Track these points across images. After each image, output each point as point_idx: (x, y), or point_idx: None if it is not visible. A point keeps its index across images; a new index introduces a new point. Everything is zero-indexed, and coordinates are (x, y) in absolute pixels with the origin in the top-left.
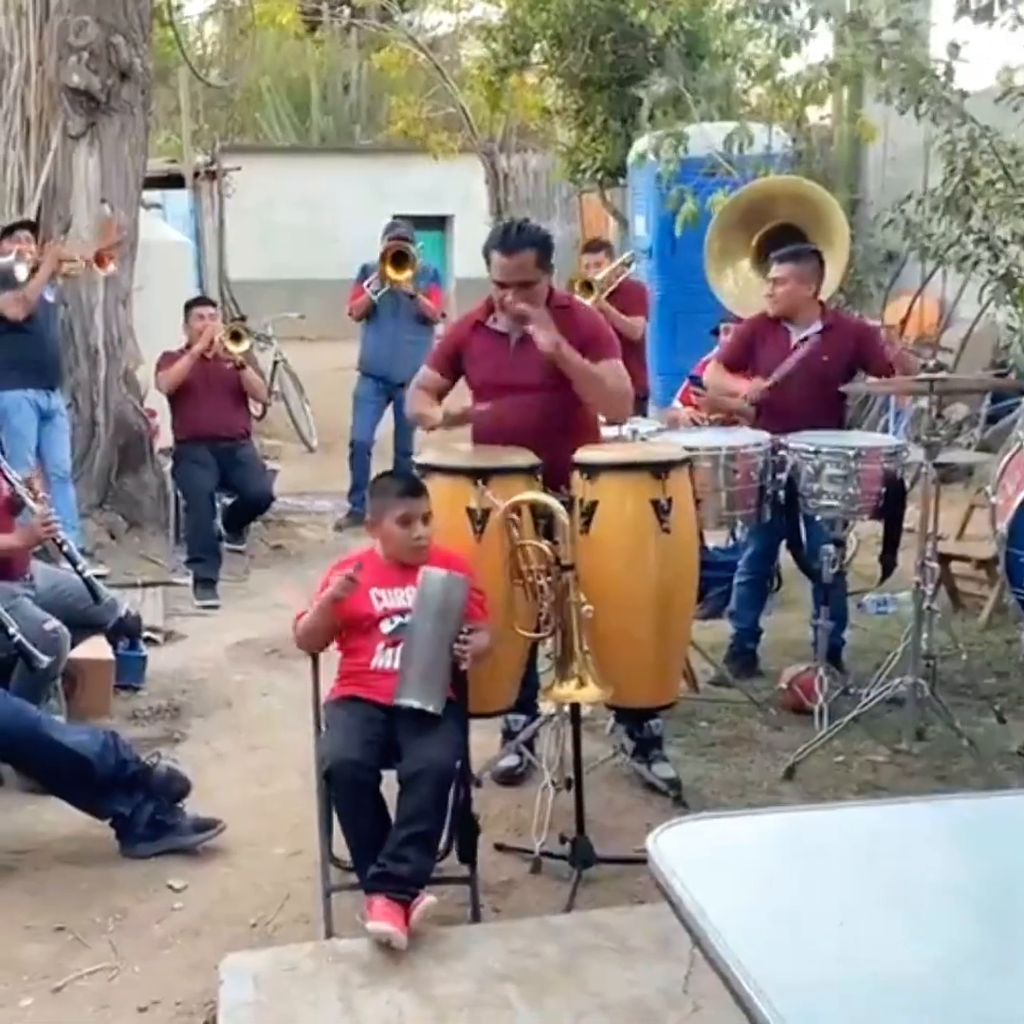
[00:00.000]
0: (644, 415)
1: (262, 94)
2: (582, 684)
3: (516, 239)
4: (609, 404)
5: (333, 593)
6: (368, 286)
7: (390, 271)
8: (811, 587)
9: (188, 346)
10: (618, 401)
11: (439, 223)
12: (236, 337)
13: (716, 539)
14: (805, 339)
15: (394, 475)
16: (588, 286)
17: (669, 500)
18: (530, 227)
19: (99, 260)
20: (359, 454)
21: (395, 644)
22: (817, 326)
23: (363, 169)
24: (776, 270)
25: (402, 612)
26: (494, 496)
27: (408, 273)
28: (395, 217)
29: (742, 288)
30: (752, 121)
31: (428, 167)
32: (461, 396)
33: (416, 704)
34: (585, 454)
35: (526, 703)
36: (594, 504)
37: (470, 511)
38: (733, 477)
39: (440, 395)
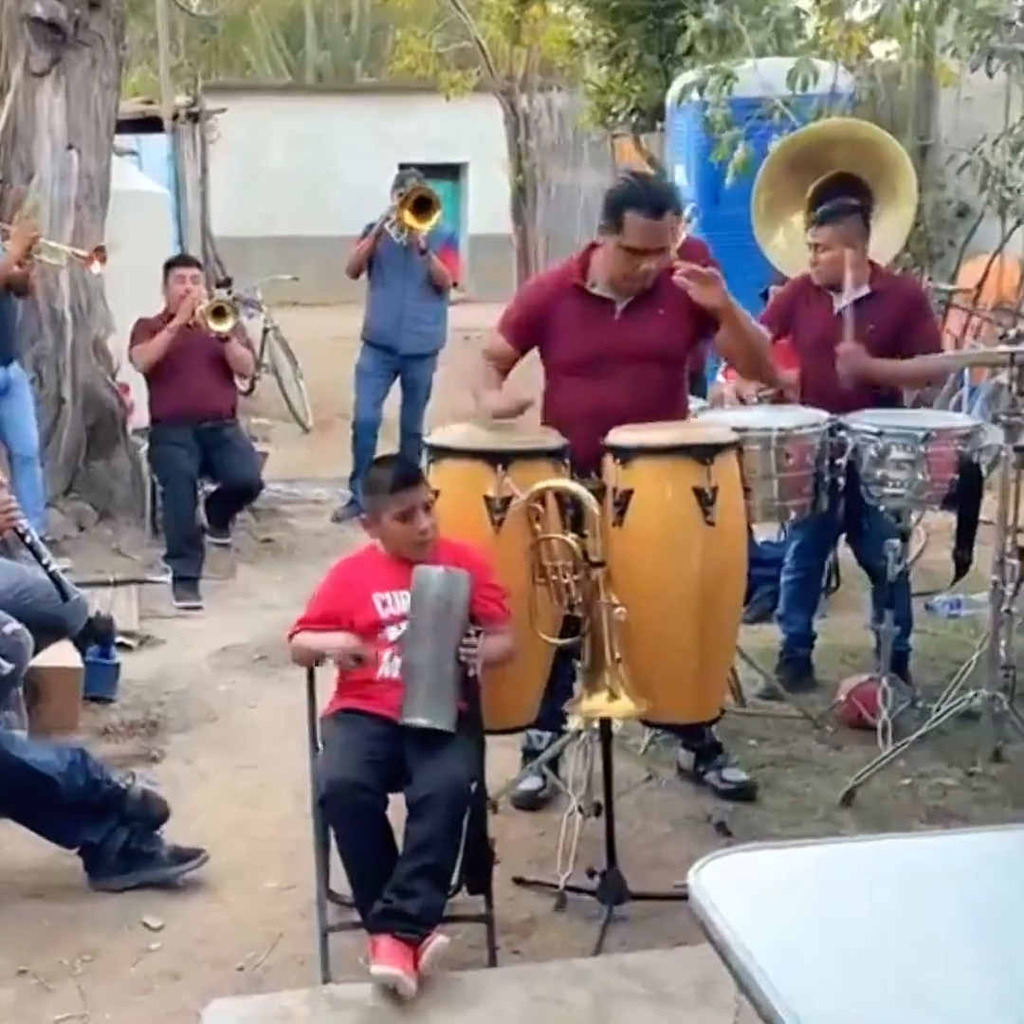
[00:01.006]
0: (703, 395)
1: (250, 25)
2: (613, 696)
3: (663, 199)
4: (763, 363)
5: (337, 659)
6: (389, 225)
7: (410, 217)
8: (872, 586)
9: (166, 312)
10: (770, 361)
11: (451, 172)
12: (219, 314)
13: (765, 532)
14: (852, 306)
15: (383, 465)
16: None
17: (714, 488)
18: (669, 185)
19: (89, 259)
20: (362, 435)
21: (402, 652)
22: (863, 290)
23: (365, 111)
24: (815, 234)
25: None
26: (515, 483)
27: (432, 221)
28: (402, 166)
29: (793, 245)
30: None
31: (439, 109)
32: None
33: (424, 722)
34: (618, 436)
35: (550, 718)
36: (628, 493)
37: (488, 499)
38: (786, 462)
39: (506, 373)
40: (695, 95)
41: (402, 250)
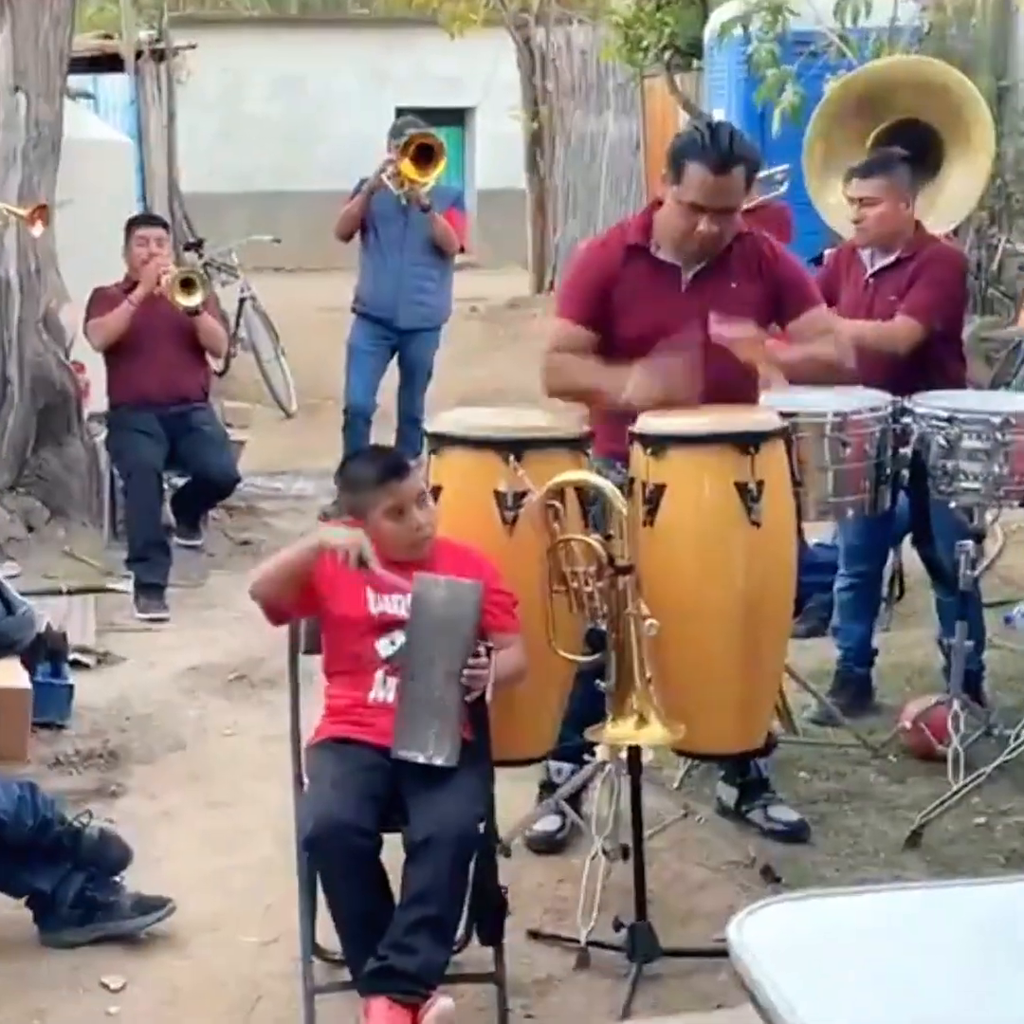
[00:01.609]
0: None
1: None
2: (643, 722)
3: (731, 152)
4: (837, 375)
5: (326, 541)
6: (388, 178)
7: (410, 168)
8: (936, 596)
9: (128, 280)
10: (845, 367)
11: (456, 118)
12: (187, 286)
13: (818, 533)
14: (878, 274)
15: (365, 457)
16: None
17: (759, 483)
18: (742, 136)
19: (29, 219)
20: (354, 421)
21: (398, 672)
22: (890, 257)
23: (357, 48)
24: (860, 187)
25: (403, 625)
26: (530, 476)
27: (436, 172)
28: (400, 110)
29: None
30: None
31: (442, 46)
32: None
33: (420, 758)
34: (649, 422)
35: (570, 747)
36: (661, 488)
37: (498, 495)
38: (843, 452)
39: (591, 356)
40: (738, 30)
41: (400, 208)
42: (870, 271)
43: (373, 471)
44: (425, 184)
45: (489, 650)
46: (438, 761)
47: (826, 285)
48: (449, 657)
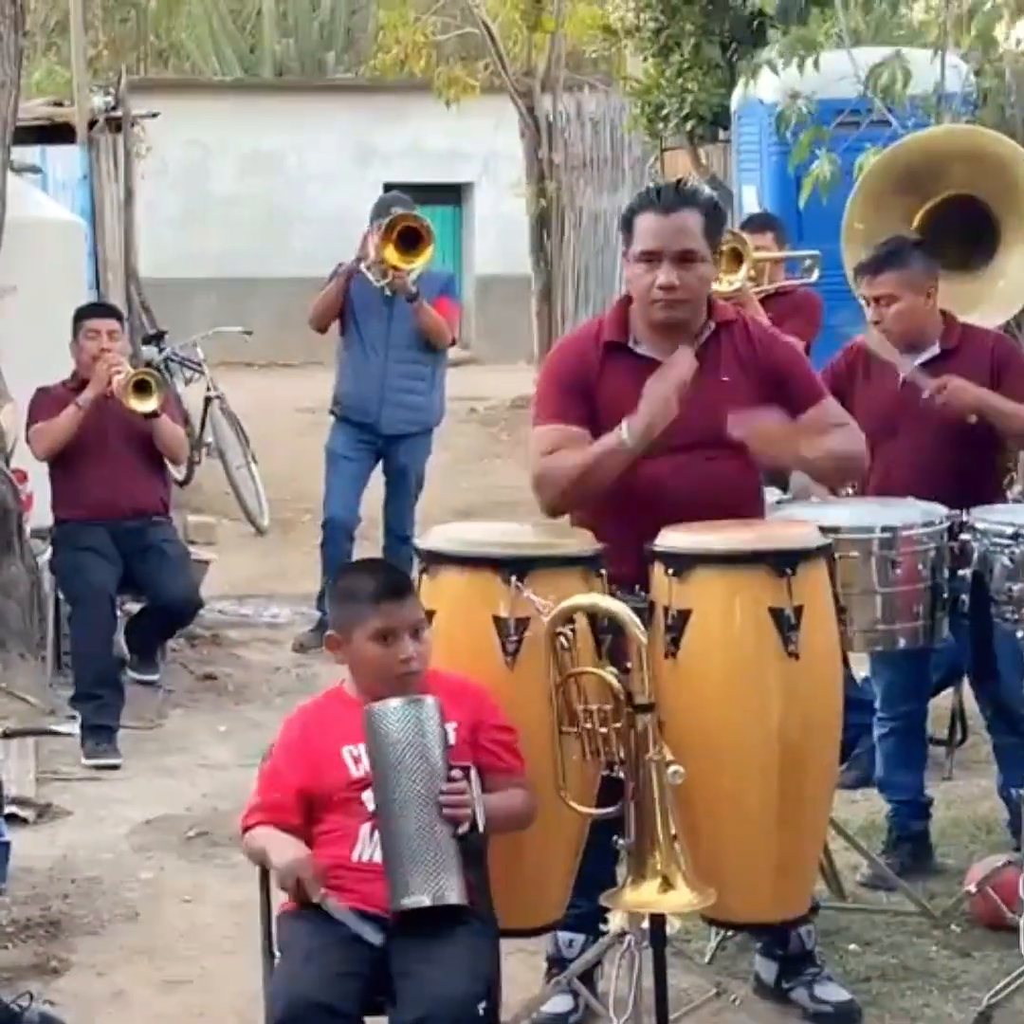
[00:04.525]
0: (784, 486)
1: (190, 3)
2: (668, 885)
3: (675, 196)
4: (844, 476)
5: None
6: (367, 267)
7: (393, 254)
8: (995, 741)
9: (77, 378)
10: (855, 467)
11: (452, 195)
12: (142, 389)
13: (866, 666)
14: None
15: (365, 568)
16: (737, 258)
17: (798, 609)
18: (695, 187)
19: None
20: (333, 538)
21: None
22: (933, 351)
23: (340, 118)
24: (872, 285)
25: None
26: (536, 599)
27: (423, 258)
28: (389, 187)
29: None
30: (913, 46)
31: (436, 115)
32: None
33: (425, 900)
34: (671, 539)
35: (583, 915)
36: (685, 614)
37: (499, 622)
38: (893, 573)
39: None
40: (767, 94)
41: (384, 298)
42: (905, 373)
43: (370, 585)
44: (411, 272)
45: (467, 771)
46: (451, 898)
47: (832, 383)
48: (422, 785)
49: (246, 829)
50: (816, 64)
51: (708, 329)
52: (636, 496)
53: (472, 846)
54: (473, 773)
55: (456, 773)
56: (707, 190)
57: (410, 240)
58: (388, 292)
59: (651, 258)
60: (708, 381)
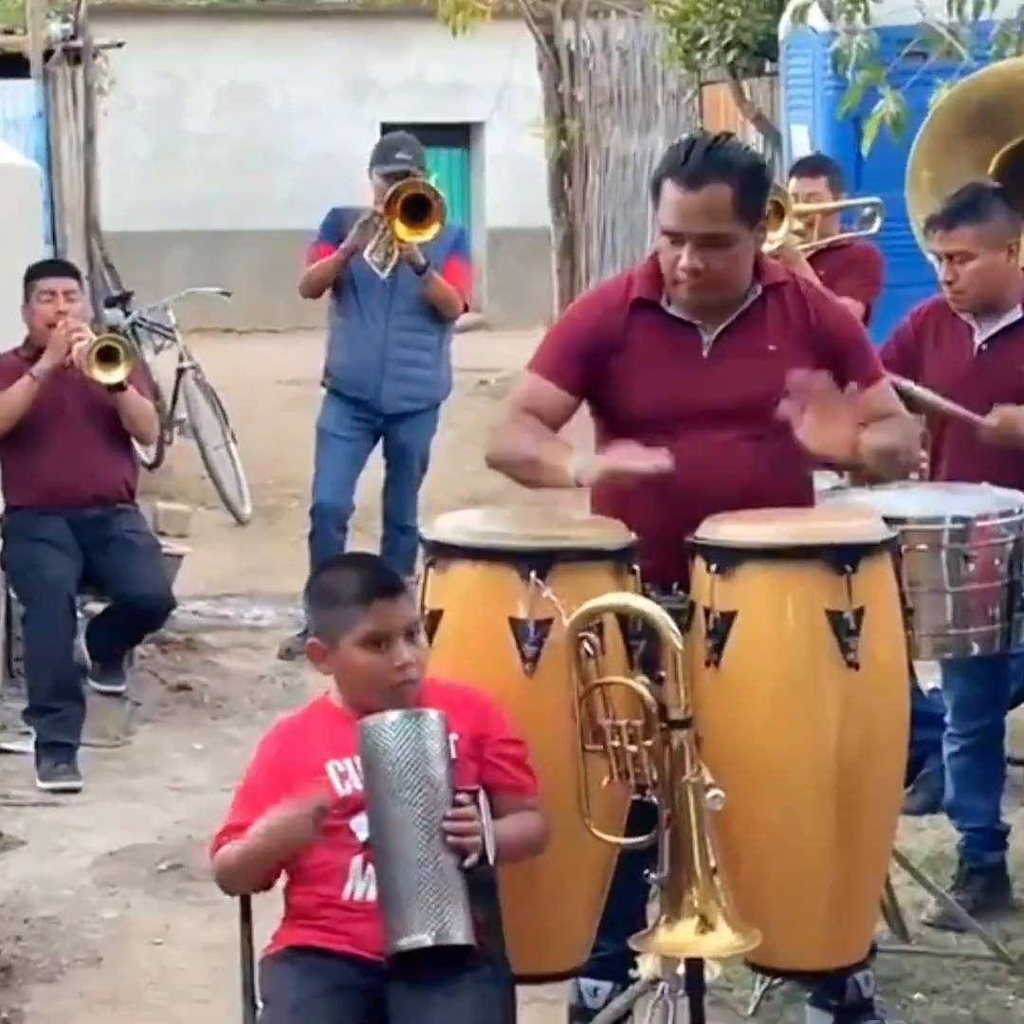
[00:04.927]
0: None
1: None
2: (707, 926)
3: (704, 165)
4: (890, 476)
5: (289, 832)
6: (369, 254)
7: (402, 228)
8: None
9: (30, 347)
10: (906, 465)
11: (459, 136)
12: (108, 357)
13: (935, 676)
14: (992, 340)
15: (346, 566)
16: (778, 212)
17: (859, 611)
18: (730, 145)
19: None
20: (324, 526)
21: None
22: (1014, 315)
23: (331, 46)
24: (945, 241)
25: None
26: (558, 599)
27: (433, 229)
28: (387, 127)
29: None
30: None
31: (441, 44)
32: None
33: (427, 940)
34: (714, 529)
35: (609, 959)
36: (729, 617)
37: (516, 624)
38: (966, 569)
39: (555, 426)
40: (820, 21)
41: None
42: (982, 338)
43: (355, 584)
44: (421, 241)
45: (475, 795)
46: (456, 937)
47: (902, 352)
48: (424, 810)
49: (216, 850)
50: (864, 13)
51: (753, 293)
52: (670, 481)
53: (481, 880)
54: (482, 797)
55: (463, 797)
56: (748, 153)
57: (417, 208)
58: (390, 274)
59: (674, 237)
60: (750, 350)
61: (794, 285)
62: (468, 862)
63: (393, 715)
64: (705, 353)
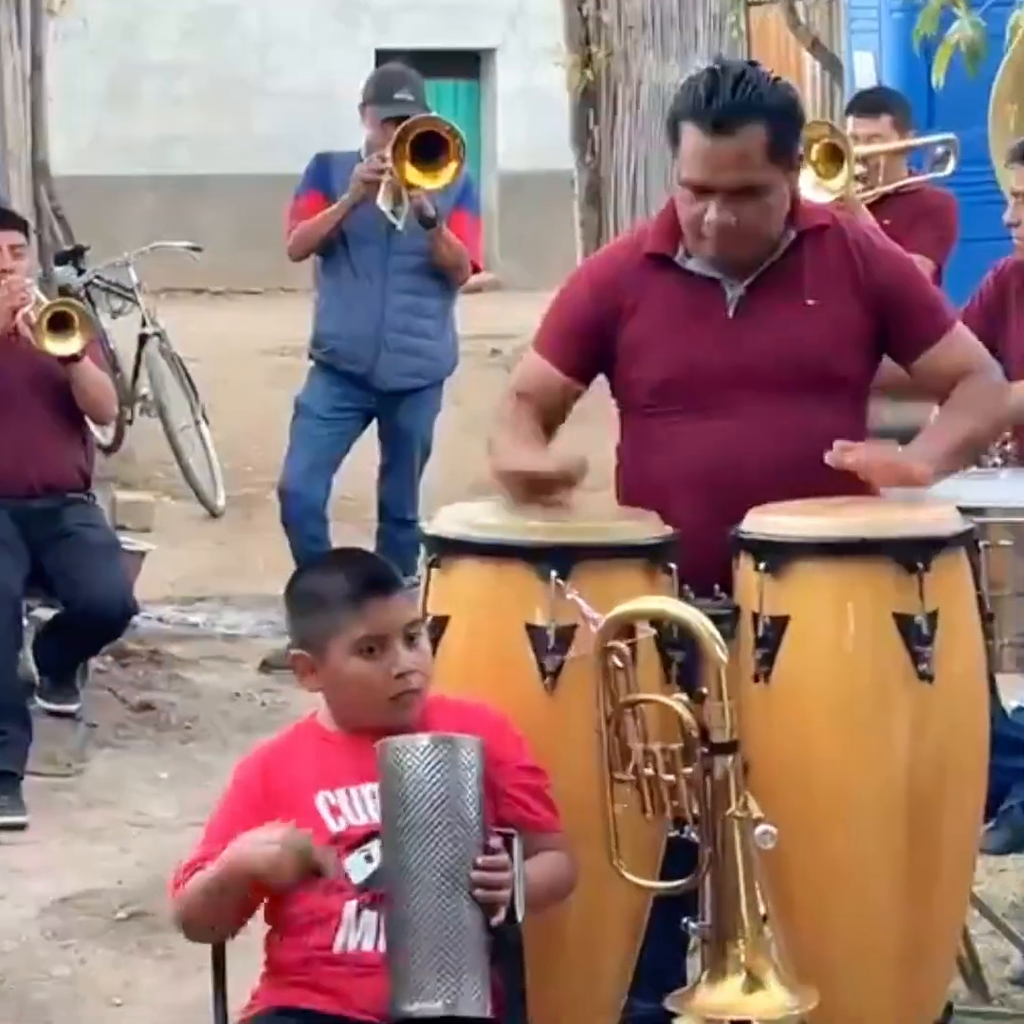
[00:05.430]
0: None
1: None
2: (755, 984)
3: (732, 103)
4: (984, 439)
5: (254, 864)
6: (382, 201)
7: (413, 172)
8: None
9: None
10: (999, 421)
11: (467, 66)
12: (60, 324)
13: (1019, 693)
14: None
15: (332, 563)
16: (836, 153)
17: (932, 616)
18: (759, 77)
19: None
20: (293, 516)
21: (376, 902)
22: None
23: None
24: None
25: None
26: (583, 602)
27: (449, 171)
28: (382, 55)
29: None
30: None
31: None
32: None
33: (436, 1007)
34: (761, 521)
35: (643, 1019)
36: (781, 623)
37: (533, 632)
38: None
39: (554, 411)
40: None
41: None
42: None
43: (343, 583)
44: (431, 188)
45: (508, 840)
46: (465, 1009)
47: (981, 316)
48: (450, 853)
49: (179, 885)
50: None
51: (787, 239)
52: (704, 466)
53: (507, 940)
54: (516, 843)
55: (495, 842)
56: (780, 84)
57: (428, 148)
58: (397, 221)
59: (699, 190)
60: (784, 307)
61: (837, 227)
62: (495, 920)
63: (424, 738)
64: (730, 312)
